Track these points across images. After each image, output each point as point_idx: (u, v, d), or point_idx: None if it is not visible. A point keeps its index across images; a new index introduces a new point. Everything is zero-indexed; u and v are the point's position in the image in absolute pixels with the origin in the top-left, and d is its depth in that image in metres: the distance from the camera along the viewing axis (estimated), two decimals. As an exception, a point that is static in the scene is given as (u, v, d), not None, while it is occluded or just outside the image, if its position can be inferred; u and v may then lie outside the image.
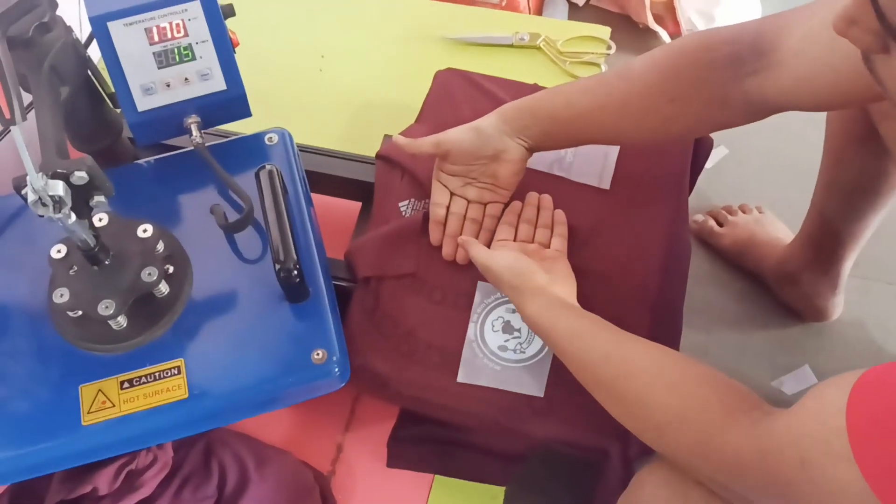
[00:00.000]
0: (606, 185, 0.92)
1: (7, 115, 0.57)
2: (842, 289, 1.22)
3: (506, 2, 1.38)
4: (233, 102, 0.82)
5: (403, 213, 0.90)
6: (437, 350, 0.82)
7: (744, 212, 1.33)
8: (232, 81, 0.81)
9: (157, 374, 0.70)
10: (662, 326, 0.86)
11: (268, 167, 0.78)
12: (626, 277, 0.87)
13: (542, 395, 0.80)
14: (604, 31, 1.16)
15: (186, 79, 0.80)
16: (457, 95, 0.98)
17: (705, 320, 1.28)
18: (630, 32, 1.54)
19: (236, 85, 0.82)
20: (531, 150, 0.87)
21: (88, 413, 0.69)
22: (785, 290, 1.24)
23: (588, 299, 0.81)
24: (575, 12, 1.61)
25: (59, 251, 0.71)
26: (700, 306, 1.29)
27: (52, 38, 0.77)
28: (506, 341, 0.82)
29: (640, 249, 0.88)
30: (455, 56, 1.14)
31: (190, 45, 0.80)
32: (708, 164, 1.41)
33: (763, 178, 1.41)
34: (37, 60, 0.75)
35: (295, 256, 0.71)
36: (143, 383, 0.70)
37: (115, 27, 0.77)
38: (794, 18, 0.73)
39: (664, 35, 1.51)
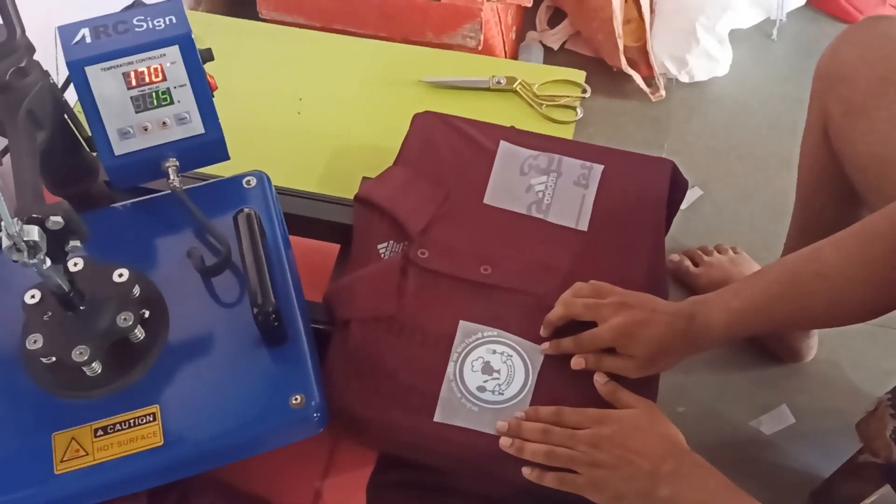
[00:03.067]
0: (584, 227, 0.92)
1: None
2: (814, 331, 1.23)
3: (482, 46, 1.40)
4: (211, 146, 0.82)
5: (383, 256, 0.90)
6: (417, 392, 0.81)
7: (719, 252, 1.35)
8: (210, 125, 0.81)
9: (131, 422, 0.69)
10: None
11: (245, 210, 0.77)
12: None
13: None
14: (579, 76, 1.17)
15: (164, 122, 0.80)
16: (435, 138, 0.99)
17: (683, 362, 1.28)
18: (604, 76, 1.57)
19: (215, 129, 0.81)
20: None
21: (62, 462, 0.67)
22: (760, 332, 1.25)
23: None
24: (550, 56, 1.64)
25: (32, 297, 0.69)
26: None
27: (29, 82, 0.76)
28: (484, 381, 0.82)
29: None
30: (433, 99, 1.14)
31: (168, 89, 0.79)
32: (683, 206, 1.43)
33: (738, 220, 1.43)
34: (13, 105, 0.74)
35: (273, 300, 0.70)
36: (118, 430, 0.68)
37: (92, 72, 0.77)
38: None
39: (637, 78, 1.53)
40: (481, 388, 0.81)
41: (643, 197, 0.94)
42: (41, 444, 0.68)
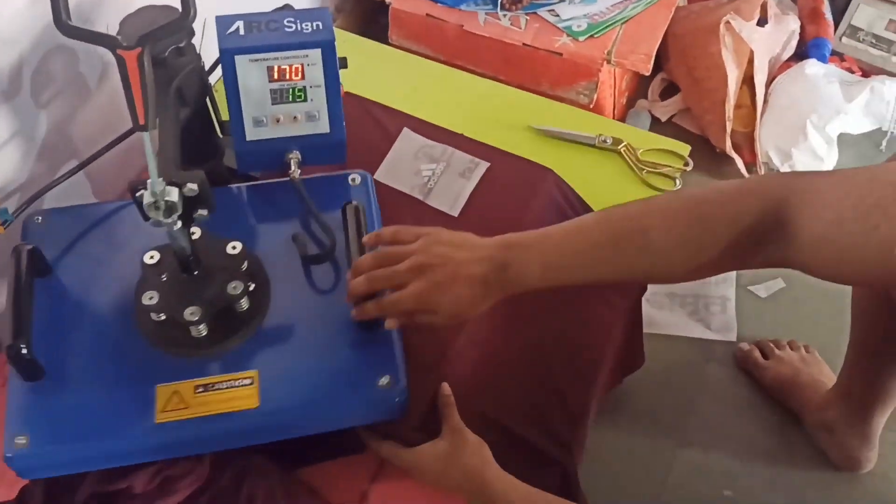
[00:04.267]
0: (455, 213, 1.01)
1: (142, 122, 0.62)
2: (875, 443, 1.22)
3: (594, 105, 1.44)
4: (332, 146, 0.89)
5: None
6: None
7: (791, 348, 1.34)
8: (336, 127, 0.88)
9: (231, 382, 0.74)
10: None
11: (354, 203, 0.83)
12: None
13: None
14: (684, 148, 1.20)
15: (295, 117, 0.86)
16: (349, 115, 1.02)
17: (737, 447, 1.27)
18: (707, 154, 1.58)
19: (339, 130, 0.88)
20: None
21: (162, 412, 0.73)
22: (820, 435, 1.24)
23: None
24: (656, 126, 1.67)
25: (151, 257, 0.76)
26: (735, 433, 1.29)
27: (184, 62, 0.84)
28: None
29: None
30: (539, 145, 1.17)
31: (304, 87, 0.86)
32: (763, 294, 1.44)
33: (816, 319, 1.42)
34: (166, 80, 0.81)
35: None
36: (217, 389, 0.74)
37: (241, 61, 0.84)
38: (823, 197, 0.69)
39: (740, 163, 1.55)
40: None
41: (518, 195, 1.02)
42: (145, 394, 0.74)
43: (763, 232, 0.72)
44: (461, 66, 1.40)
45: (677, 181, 1.16)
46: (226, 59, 0.84)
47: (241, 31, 0.86)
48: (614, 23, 1.43)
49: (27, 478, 0.76)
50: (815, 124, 1.51)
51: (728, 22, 1.50)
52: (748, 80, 1.55)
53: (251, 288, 0.77)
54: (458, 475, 0.78)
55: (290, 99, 0.86)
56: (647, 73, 1.44)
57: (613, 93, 1.50)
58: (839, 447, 1.22)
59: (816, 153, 1.53)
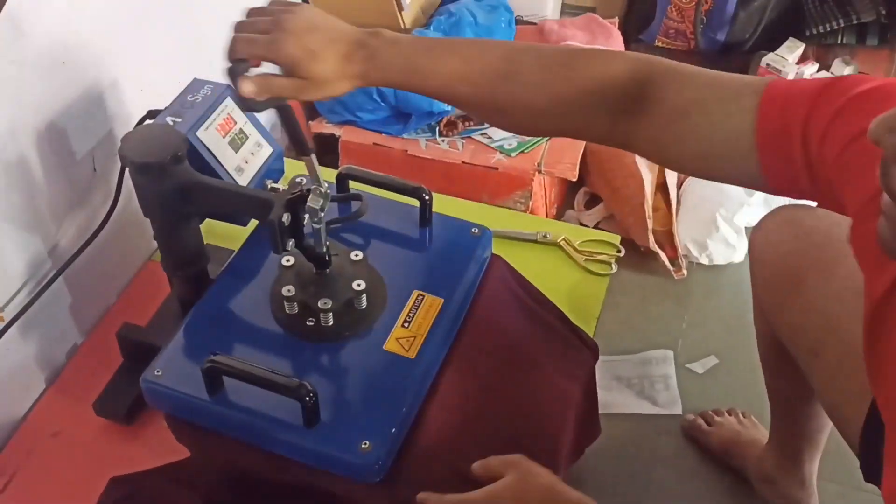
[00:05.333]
0: None
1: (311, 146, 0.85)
2: (813, 490, 1.31)
3: (529, 212, 1.60)
4: (277, 159, 1.08)
5: None
6: None
7: (730, 414, 1.46)
8: (271, 143, 1.07)
9: None
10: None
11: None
12: None
13: None
14: (615, 238, 1.34)
15: (252, 153, 1.05)
16: None
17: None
18: (633, 253, 1.74)
19: (274, 143, 1.07)
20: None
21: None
22: (764, 488, 1.34)
23: None
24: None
25: (287, 260, 0.93)
26: (689, 497, 1.39)
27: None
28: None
29: None
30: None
31: (240, 128, 1.04)
32: (700, 370, 1.57)
33: (750, 388, 1.53)
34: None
35: None
36: None
37: (202, 133, 1.00)
38: (691, 79, 0.74)
39: (664, 257, 1.71)
40: None
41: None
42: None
43: (624, 96, 0.75)
44: (408, 186, 1.55)
45: (614, 265, 1.30)
46: (192, 138, 0.96)
47: (177, 119, 0.99)
48: (539, 140, 1.62)
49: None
50: (724, 216, 1.70)
51: (638, 134, 1.70)
52: (661, 186, 1.75)
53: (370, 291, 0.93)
54: (537, 495, 0.83)
55: (241, 142, 1.04)
56: (574, 179, 1.62)
57: (545, 202, 1.68)
58: (782, 497, 1.32)
59: (729, 242, 1.72)
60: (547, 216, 1.70)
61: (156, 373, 0.89)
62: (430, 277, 1.00)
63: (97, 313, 1.17)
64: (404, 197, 1.08)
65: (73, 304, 1.11)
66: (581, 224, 1.84)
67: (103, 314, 1.17)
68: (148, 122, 1.04)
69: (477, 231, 1.06)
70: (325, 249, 0.91)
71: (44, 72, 0.97)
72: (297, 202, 0.86)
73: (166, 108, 1.03)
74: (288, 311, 0.93)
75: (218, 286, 0.99)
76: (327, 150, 1.69)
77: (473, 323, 1.04)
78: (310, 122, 1.70)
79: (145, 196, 0.94)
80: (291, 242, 0.87)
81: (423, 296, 0.98)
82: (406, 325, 0.95)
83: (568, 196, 1.89)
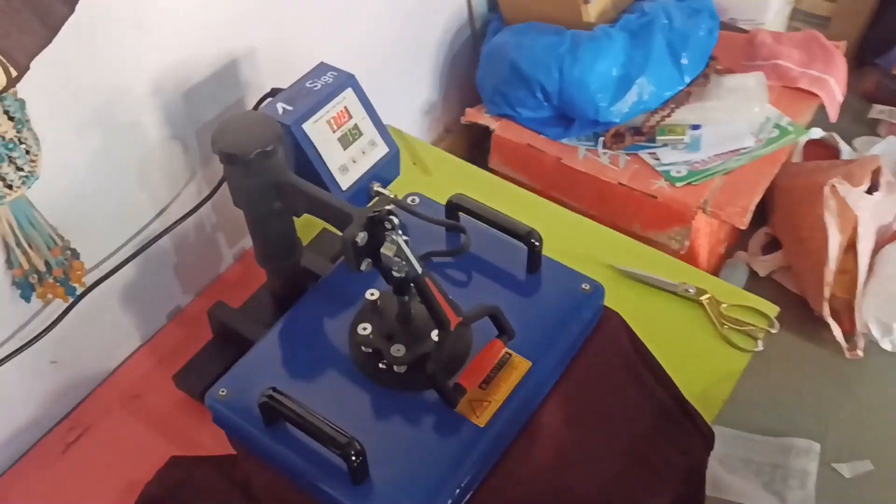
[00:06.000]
0: None
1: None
2: None
3: (685, 251, 1.42)
4: (392, 160, 1.03)
5: None
6: None
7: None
8: (389, 143, 1.01)
9: None
10: None
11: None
12: None
13: None
14: (772, 309, 1.15)
15: (363, 151, 1.00)
16: None
17: None
18: (804, 316, 1.53)
19: (392, 144, 1.02)
20: None
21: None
22: None
23: None
24: (754, 280, 1.62)
25: (372, 294, 0.86)
26: None
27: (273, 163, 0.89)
28: None
29: None
30: (615, 284, 1.16)
31: (355, 124, 1.01)
32: (847, 474, 1.35)
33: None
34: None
35: None
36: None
37: (309, 126, 0.97)
38: None
39: (836, 331, 1.48)
40: None
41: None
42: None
43: None
44: (555, 198, 1.42)
45: (759, 343, 1.12)
46: (296, 130, 0.93)
47: (288, 107, 0.95)
48: (714, 173, 1.42)
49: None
50: (923, 300, 1.44)
51: (833, 186, 1.46)
52: (852, 246, 1.50)
53: None
54: None
55: (352, 139, 0.98)
56: (744, 227, 1.42)
57: (709, 241, 1.48)
58: None
59: (921, 331, 1.46)
60: (710, 257, 1.50)
61: (220, 392, 0.84)
62: (524, 334, 0.87)
63: (206, 280, 1.18)
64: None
65: (177, 266, 1.12)
66: (751, 270, 1.63)
67: (213, 281, 1.18)
68: (268, 100, 1.00)
69: (588, 287, 0.92)
70: (407, 298, 0.82)
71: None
72: (377, 222, 0.77)
73: (283, 91, 0.99)
74: (363, 349, 0.85)
75: (302, 304, 0.93)
76: (479, 141, 1.58)
77: (566, 387, 0.92)
78: (468, 108, 1.59)
79: (232, 186, 0.88)
80: (367, 262, 0.79)
81: (511, 354, 0.86)
82: (484, 385, 0.83)
83: (744, 235, 1.68)
